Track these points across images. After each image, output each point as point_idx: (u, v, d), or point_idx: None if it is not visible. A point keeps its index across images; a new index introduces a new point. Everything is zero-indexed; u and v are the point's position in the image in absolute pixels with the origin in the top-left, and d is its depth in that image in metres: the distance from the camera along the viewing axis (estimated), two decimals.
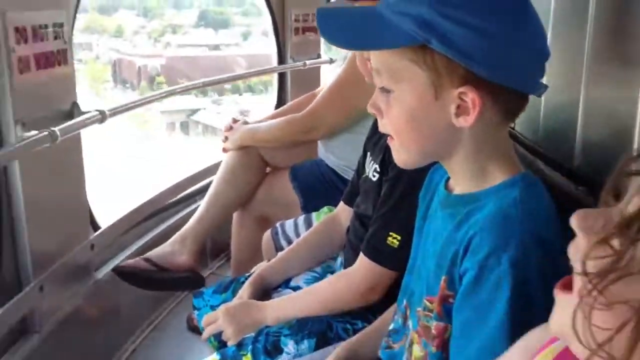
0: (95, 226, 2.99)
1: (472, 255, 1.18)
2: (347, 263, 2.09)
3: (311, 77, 4.79)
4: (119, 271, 2.89)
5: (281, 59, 4.78)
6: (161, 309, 3.46)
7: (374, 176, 2.00)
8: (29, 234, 2.39)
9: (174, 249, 3.00)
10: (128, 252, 3.23)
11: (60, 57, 2.53)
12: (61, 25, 2.51)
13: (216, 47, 67.00)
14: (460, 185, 1.32)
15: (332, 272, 2.23)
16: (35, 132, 2.27)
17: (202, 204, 3.15)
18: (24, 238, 2.38)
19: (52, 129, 2.30)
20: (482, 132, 1.22)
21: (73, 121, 2.54)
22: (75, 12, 2.75)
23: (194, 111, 54.45)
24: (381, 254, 1.85)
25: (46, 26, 2.42)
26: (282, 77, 4.84)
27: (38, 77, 2.38)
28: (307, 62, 4.71)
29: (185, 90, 3.98)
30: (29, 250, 2.40)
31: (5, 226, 2.35)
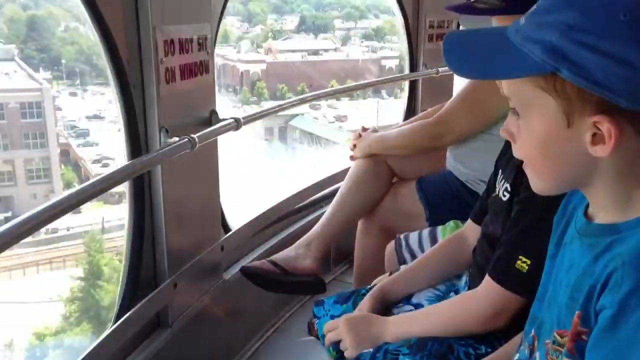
0: (226, 228, 3.13)
1: (611, 292, 1.09)
2: (473, 284, 2.03)
3: (443, 86, 4.71)
4: (245, 271, 3.00)
5: (413, 66, 4.74)
6: (283, 312, 3.55)
7: (504, 196, 1.92)
8: (166, 235, 2.55)
9: (298, 253, 3.07)
10: (255, 254, 3.35)
11: (202, 68, 2.68)
12: (205, 37, 2.66)
13: (315, 52, 67.74)
14: (601, 214, 1.23)
15: (456, 292, 2.17)
16: (177, 138, 2.41)
17: (328, 210, 3.19)
18: (162, 238, 2.54)
19: (192, 135, 2.43)
20: (623, 160, 1.13)
21: (211, 128, 2.67)
22: (219, 25, 2.90)
23: (293, 116, 54.49)
24: (509, 278, 1.77)
25: (191, 39, 2.57)
26: (413, 84, 4.81)
27: (182, 86, 2.54)
28: (440, 69, 4.63)
29: (316, 98, 4.05)
30: (166, 249, 2.56)
31: (147, 226, 2.52)
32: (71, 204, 1.88)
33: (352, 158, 3.27)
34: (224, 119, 2.80)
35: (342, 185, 3.23)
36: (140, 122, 2.41)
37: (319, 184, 4.03)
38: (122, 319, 2.37)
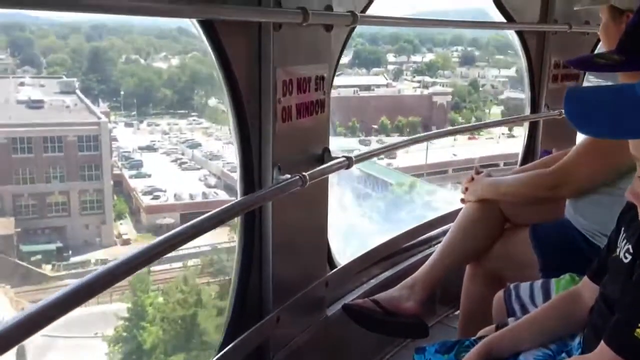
0: (332, 264, 3.15)
1: None
2: (587, 347, 1.90)
3: (566, 129, 4.49)
4: (346, 309, 3.00)
5: (534, 107, 4.58)
6: (384, 353, 3.50)
7: (625, 257, 1.80)
8: (273, 268, 2.60)
9: (402, 294, 3.02)
10: (359, 291, 3.34)
11: (318, 106, 2.74)
12: (322, 77, 2.73)
13: (367, 88, 65.16)
14: None
15: (568, 353, 2.04)
16: (289, 175, 2.47)
17: (436, 252, 3.13)
18: (269, 271, 2.60)
19: (304, 173, 2.48)
20: None
21: (323, 166, 2.72)
22: (337, 65, 2.96)
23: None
24: (626, 347, 1.65)
25: (309, 78, 2.64)
26: (533, 126, 4.64)
27: (297, 124, 2.61)
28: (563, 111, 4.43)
29: (429, 138, 4.02)
30: (272, 282, 2.62)
31: (255, 259, 2.59)
32: (187, 237, 1.98)
33: (463, 201, 3.20)
34: (336, 157, 2.84)
35: (452, 227, 3.16)
36: (255, 158, 2.50)
37: (428, 224, 3.98)
38: (227, 347, 2.44)
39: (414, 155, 52.35)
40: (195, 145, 58.64)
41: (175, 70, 64.04)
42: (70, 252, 39.66)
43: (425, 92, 62.39)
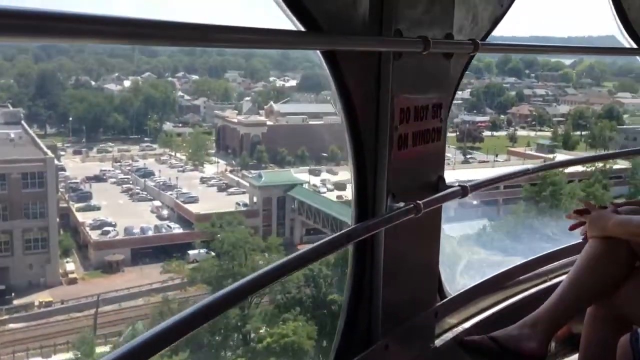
0: (442, 294, 3.09)
1: None
2: None
3: None
4: (464, 344, 2.93)
5: None
6: None
7: None
8: (383, 296, 2.59)
9: (522, 333, 2.90)
10: (470, 323, 3.24)
11: (434, 134, 2.71)
12: (440, 105, 2.70)
13: (316, 115, 57.96)
14: None
15: None
16: (403, 203, 2.46)
17: (559, 289, 2.98)
18: (378, 298, 2.59)
19: (418, 201, 2.45)
20: None
21: (437, 195, 2.68)
22: (454, 93, 2.93)
23: (292, 186, 48.53)
24: None
25: (427, 107, 2.62)
26: None
27: (413, 152, 2.59)
28: None
29: (548, 168, 3.86)
30: (381, 310, 2.60)
31: (365, 286, 2.59)
32: (299, 264, 2.01)
33: (586, 237, 3.04)
34: (451, 186, 2.80)
35: (576, 264, 3.00)
36: (370, 186, 2.51)
37: (545, 256, 3.81)
38: None
39: None
40: (147, 174, 55.99)
41: (127, 95, 62.39)
42: (12, 294, 38.09)
43: None
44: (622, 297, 2.88)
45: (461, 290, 3.21)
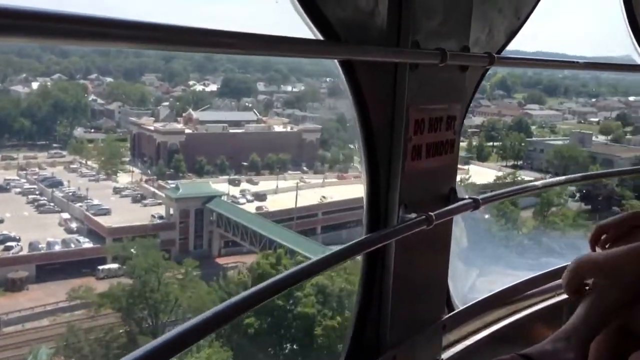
0: (450, 307, 3.07)
1: None
2: None
3: None
4: None
5: None
6: None
7: None
8: (392, 307, 2.58)
9: (558, 347, 2.85)
10: (477, 336, 3.23)
11: (448, 146, 2.71)
12: (454, 117, 2.70)
13: (237, 124, 56.70)
14: None
15: None
16: (414, 215, 2.45)
17: (589, 299, 2.96)
18: (387, 309, 2.58)
19: (430, 213, 2.45)
20: None
21: (449, 207, 2.68)
22: (468, 106, 2.92)
23: (210, 198, 46.71)
24: None
25: (441, 119, 2.62)
26: None
27: (426, 163, 2.59)
28: None
29: (559, 183, 3.85)
30: (390, 321, 2.59)
31: (375, 296, 2.58)
32: (311, 273, 2.01)
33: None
34: (463, 199, 2.79)
35: None
36: (382, 196, 2.50)
37: (552, 272, 3.78)
38: None
39: (286, 197, 48.64)
40: (55, 184, 51.30)
41: (35, 98, 56.92)
42: None
43: (296, 128, 59.02)
44: None
45: (469, 304, 3.20)
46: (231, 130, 56.77)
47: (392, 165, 2.49)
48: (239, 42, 1.64)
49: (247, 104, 61.34)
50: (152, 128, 56.81)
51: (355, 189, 49.93)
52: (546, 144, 61.63)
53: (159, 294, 36.15)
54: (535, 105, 70.86)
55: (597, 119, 68.24)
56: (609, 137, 63.62)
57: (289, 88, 66.22)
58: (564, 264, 3.85)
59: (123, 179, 54.76)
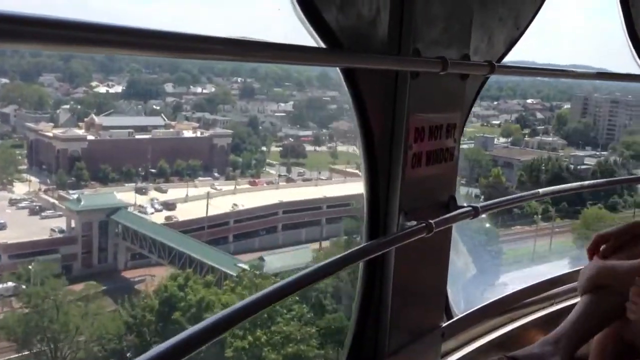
0: (449, 314, 3.08)
1: None
2: None
3: None
4: None
5: None
6: None
7: None
8: (391, 314, 2.58)
9: (545, 351, 2.86)
10: (476, 344, 3.23)
11: (447, 154, 2.72)
12: (454, 125, 2.71)
13: (144, 129, 53.63)
14: None
15: None
16: (414, 222, 2.45)
17: (580, 306, 2.97)
18: (386, 316, 2.58)
19: (430, 221, 2.45)
20: None
21: (448, 215, 2.68)
22: (468, 114, 2.93)
23: (114, 210, 43.75)
24: None
25: (441, 127, 2.63)
26: None
27: (426, 171, 2.59)
28: None
29: (563, 192, 3.86)
30: (389, 328, 2.59)
31: (374, 304, 2.58)
32: (311, 280, 2.01)
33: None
34: (462, 206, 2.80)
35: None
36: (382, 203, 2.51)
37: (551, 281, 3.80)
38: None
39: (196, 205, 45.95)
40: None
41: None
42: None
43: (206, 133, 56.04)
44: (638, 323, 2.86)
45: (468, 311, 3.20)
46: (137, 136, 53.54)
47: (392, 173, 2.49)
48: (241, 50, 1.65)
49: (154, 106, 57.67)
50: (50, 134, 52.47)
51: (267, 195, 50.60)
52: None
53: (58, 323, 33.75)
54: None
55: (498, 122, 68.99)
56: (509, 140, 64.32)
57: (199, 89, 63.60)
58: (563, 272, 3.88)
59: (20, 189, 49.75)
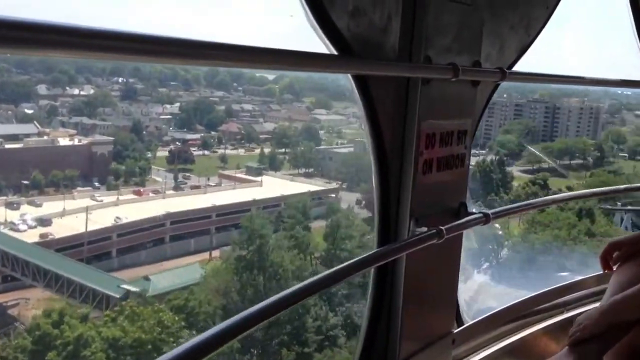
0: (459, 321, 3.07)
1: None
2: None
3: None
4: None
5: None
6: None
7: None
8: (401, 320, 2.58)
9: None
10: (488, 351, 3.22)
11: (458, 161, 2.72)
12: (465, 132, 2.71)
13: (14, 137, 48.50)
14: None
15: None
16: (425, 229, 2.46)
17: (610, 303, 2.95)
18: (397, 323, 2.58)
19: (441, 227, 2.45)
20: None
21: (460, 221, 2.68)
22: (479, 120, 2.94)
23: None
24: None
25: (452, 133, 2.64)
26: None
27: (437, 178, 2.60)
28: None
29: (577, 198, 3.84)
30: (399, 334, 2.59)
31: (384, 311, 2.58)
32: (322, 286, 2.01)
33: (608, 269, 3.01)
34: (473, 213, 2.79)
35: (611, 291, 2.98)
36: (393, 209, 2.51)
37: (562, 288, 3.79)
38: None
39: (75, 220, 41.36)
40: None
41: None
42: None
43: (85, 140, 51.02)
44: None
45: (479, 318, 3.19)
46: (7, 146, 48.86)
47: (403, 179, 2.50)
48: (254, 57, 1.66)
49: (26, 110, 52.28)
50: None
51: (153, 206, 46.69)
52: (334, 153, 59.72)
53: None
54: (322, 110, 67.52)
55: None
56: None
57: (76, 91, 57.99)
58: (574, 280, 3.86)
59: None
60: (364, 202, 50.08)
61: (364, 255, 2.26)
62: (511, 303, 3.45)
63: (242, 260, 37.04)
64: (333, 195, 52.93)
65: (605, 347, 2.84)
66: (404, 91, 2.44)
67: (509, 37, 3.02)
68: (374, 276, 2.58)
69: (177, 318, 32.00)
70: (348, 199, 49.50)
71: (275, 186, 52.07)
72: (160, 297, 34.24)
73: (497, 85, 3.06)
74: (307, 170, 58.59)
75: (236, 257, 37.46)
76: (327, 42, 2.11)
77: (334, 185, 54.39)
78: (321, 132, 64.02)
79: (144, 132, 56.77)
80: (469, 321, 3.13)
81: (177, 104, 61.76)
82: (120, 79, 59.68)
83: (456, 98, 2.66)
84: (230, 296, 35.14)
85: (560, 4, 3.27)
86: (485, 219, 2.81)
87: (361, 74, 2.26)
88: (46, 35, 1.07)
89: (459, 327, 3.04)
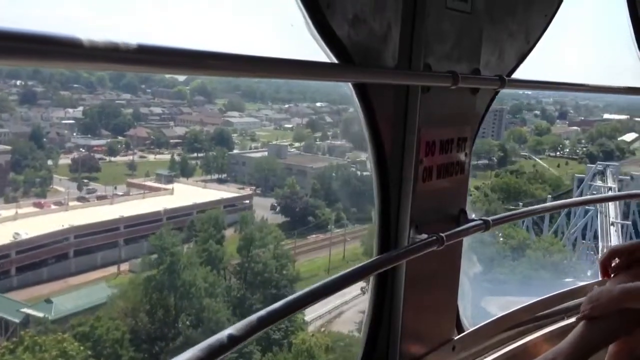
0: (460, 328, 3.07)
1: None
2: None
3: None
4: None
5: None
6: None
7: None
8: (402, 326, 2.58)
9: None
10: (488, 358, 3.22)
11: (458, 168, 2.73)
12: (465, 139, 2.72)
13: None
14: None
15: None
16: (425, 235, 2.46)
17: (580, 325, 2.96)
18: (397, 329, 2.59)
19: (441, 234, 2.46)
20: None
21: (460, 228, 2.69)
22: (479, 127, 2.95)
23: None
24: None
25: (452, 140, 2.65)
26: None
27: (437, 185, 2.61)
28: None
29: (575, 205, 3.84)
30: (400, 341, 2.59)
31: (385, 317, 2.59)
32: (323, 294, 2.02)
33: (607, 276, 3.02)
34: (473, 220, 2.80)
35: None
36: (393, 216, 2.52)
37: (563, 294, 3.78)
38: None
39: None
40: None
41: None
42: None
43: None
44: None
45: (479, 325, 3.19)
46: None
47: (403, 187, 2.51)
48: (253, 66, 1.67)
49: None
50: None
51: (55, 218, 43.37)
52: (247, 157, 59.20)
53: None
54: (235, 113, 67.30)
55: (291, 125, 67.68)
56: (302, 145, 63.02)
57: None
58: (574, 287, 3.86)
59: None
60: (278, 208, 49.99)
61: (365, 263, 2.27)
62: (512, 310, 3.45)
63: (151, 280, 35.76)
64: (247, 201, 52.24)
65: (611, 327, 2.83)
66: (403, 99, 2.45)
67: (508, 45, 3.03)
68: (374, 283, 2.58)
69: (82, 347, 30.19)
70: (262, 204, 49.33)
71: (187, 194, 50.57)
72: (63, 322, 32.30)
73: (496, 93, 3.07)
74: (220, 176, 57.46)
75: (145, 277, 36.15)
76: (327, 50, 2.13)
77: (247, 191, 53.75)
78: (234, 135, 62.70)
79: (45, 139, 53.72)
80: (469, 328, 3.13)
81: (81, 108, 59.01)
82: (18, 82, 56.53)
83: (456, 105, 2.67)
84: (139, 318, 33.73)
85: (559, 11, 3.28)
86: (485, 225, 2.81)
87: (361, 82, 2.28)
88: (44, 46, 1.06)
89: (459, 333, 3.04)
